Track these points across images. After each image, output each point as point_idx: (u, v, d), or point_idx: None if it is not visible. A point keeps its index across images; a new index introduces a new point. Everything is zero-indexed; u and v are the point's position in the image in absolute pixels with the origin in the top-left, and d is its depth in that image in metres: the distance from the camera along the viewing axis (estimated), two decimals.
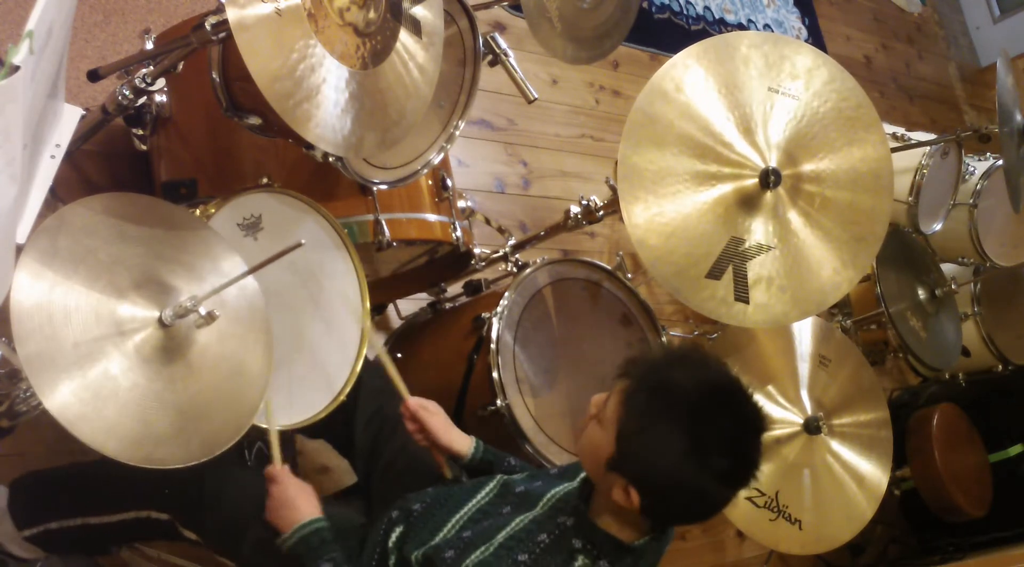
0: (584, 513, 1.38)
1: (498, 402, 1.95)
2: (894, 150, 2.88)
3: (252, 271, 1.42)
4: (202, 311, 1.35)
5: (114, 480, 1.58)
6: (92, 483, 1.63)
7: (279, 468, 1.53)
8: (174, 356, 1.37)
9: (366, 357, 1.78)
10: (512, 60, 2.10)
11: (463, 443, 1.66)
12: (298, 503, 1.49)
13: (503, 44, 2.08)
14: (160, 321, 1.35)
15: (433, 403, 1.68)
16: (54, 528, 1.65)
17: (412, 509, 1.54)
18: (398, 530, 1.51)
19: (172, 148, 1.94)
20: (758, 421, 1.34)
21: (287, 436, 1.81)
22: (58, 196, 1.80)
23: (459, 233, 2.04)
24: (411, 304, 2.49)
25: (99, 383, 1.27)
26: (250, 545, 1.54)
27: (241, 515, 1.55)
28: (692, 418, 1.28)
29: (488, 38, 2.06)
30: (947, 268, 3.37)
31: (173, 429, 1.33)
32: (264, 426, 1.54)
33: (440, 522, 1.48)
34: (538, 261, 2.16)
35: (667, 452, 1.28)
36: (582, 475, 1.47)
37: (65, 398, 1.23)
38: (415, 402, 1.67)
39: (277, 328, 1.57)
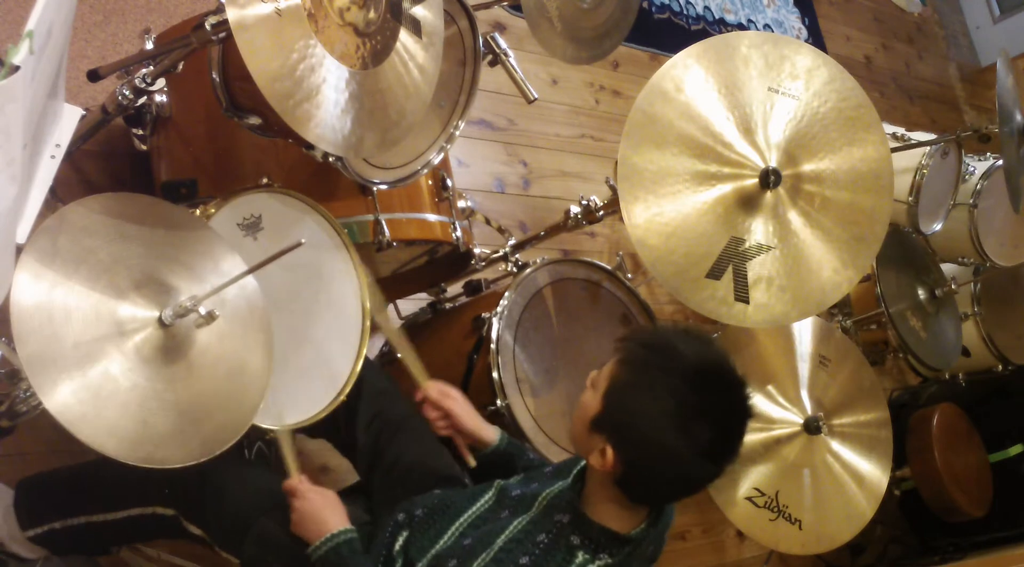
0: (579, 508, 1.38)
1: (498, 402, 1.95)
2: (894, 150, 2.88)
3: (252, 270, 1.42)
4: (202, 311, 1.35)
5: (117, 478, 1.58)
6: (95, 481, 1.63)
7: (297, 481, 1.52)
8: (174, 356, 1.37)
9: (367, 357, 1.78)
10: (512, 60, 2.10)
11: (490, 431, 1.66)
12: (324, 515, 1.48)
13: (503, 44, 2.08)
14: (160, 321, 1.35)
15: (454, 389, 1.68)
16: (58, 528, 1.65)
17: (415, 514, 1.54)
18: (403, 535, 1.51)
19: (172, 148, 1.94)
20: (746, 406, 1.34)
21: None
22: (58, 196, 1.80)
23: (459, 233, 2.04)
24: (411, 304, 2.49)
25: (99, 383, 1.27)
26: (251, 542, 1.54)
27: (243, 512, 1.55)
28: (684, 381, 1.28)
29: (488, 38, 2.06)
30: (947, 268, 3.37)
31: (173, 429, 1.33)
32: (274, 429, 1.55)
33: (441, 529, 1.48)
34: (538, 261, 2.16)
35: (651, 409, 1.28)
36: (575, 471, 1.47)
37: (65, 398, 1.23)
38: (437, 389, 1.66)
39: (277, 328, 1.57)
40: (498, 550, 1.37)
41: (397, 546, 1.50)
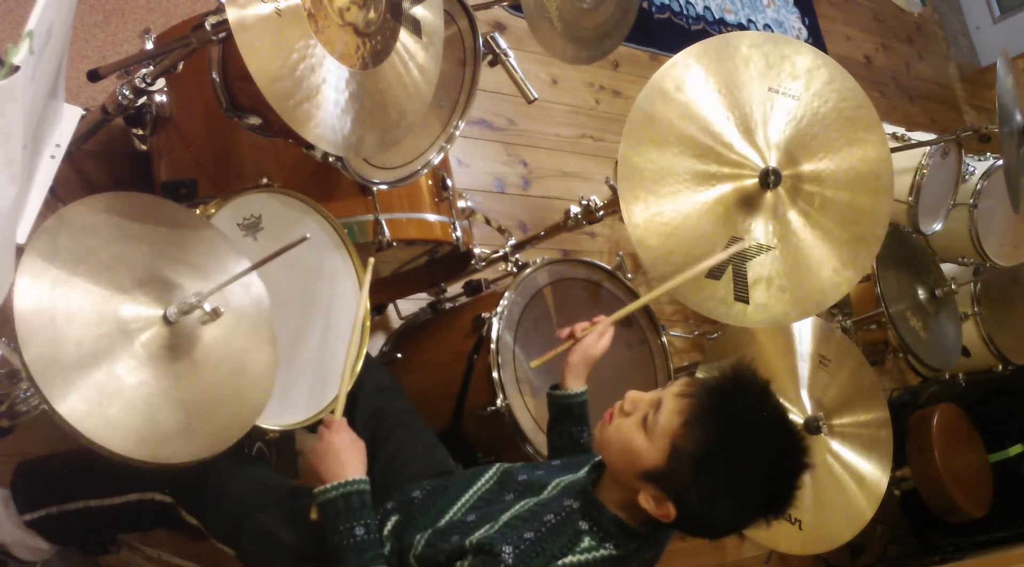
0: (592, 496, 1.39)
1: (498, 402, 1.95)
2: (894, 150, 2.88)
3: (257, 266, 1.42)
4: (206, 307, 1.36)
5: (117, 464, 1.58)
6: (94, 467, 1.63)
7: (339, 418, 1.54)
8: (179, 353, 1.37)
9: (367, 354, 1.78)
10: (512, 60, 2.10)
11: (578, 382, 1.73)
12: (349, 457, 1.49)
13: (503, 44, 2.08)
14: (164, 318, 1.35)
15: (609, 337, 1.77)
16: (55, 512, 1.65)
17: (412, 497, 1.56)
18: (394, 519, 1.53)
19: (172, 148, 1.94)
20: (803, 461, 1.36)
21: (287, 435, 1.81)
22: (58, 196, 1.80)
23: (459, 233, 2.04)
24: (411, 304, 2.49)
25: (104, 381, 1.27)
26: (250, 537, 1.55)
27: (243, 507, 1.56)
28: (746, 445, 1.31)
29: (488, 38, 2.06)
30: (947, 268, 3.37)
31: (178, 426, 1.33)
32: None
33: (442, 509, 1.50)
34: (538, 261, 2.16)
35: (717, 482, 1.30)
36: (589, 464, 1.48)
37: (70, 397, 1.23)
38: (603, 325, 1.77)
39: (277, 327, 1.57)
40: (503, 524, 1.39)
41: (386, 530, 1.51)
